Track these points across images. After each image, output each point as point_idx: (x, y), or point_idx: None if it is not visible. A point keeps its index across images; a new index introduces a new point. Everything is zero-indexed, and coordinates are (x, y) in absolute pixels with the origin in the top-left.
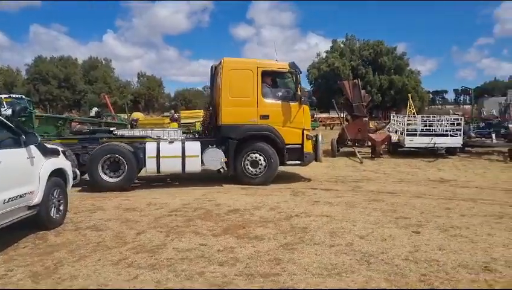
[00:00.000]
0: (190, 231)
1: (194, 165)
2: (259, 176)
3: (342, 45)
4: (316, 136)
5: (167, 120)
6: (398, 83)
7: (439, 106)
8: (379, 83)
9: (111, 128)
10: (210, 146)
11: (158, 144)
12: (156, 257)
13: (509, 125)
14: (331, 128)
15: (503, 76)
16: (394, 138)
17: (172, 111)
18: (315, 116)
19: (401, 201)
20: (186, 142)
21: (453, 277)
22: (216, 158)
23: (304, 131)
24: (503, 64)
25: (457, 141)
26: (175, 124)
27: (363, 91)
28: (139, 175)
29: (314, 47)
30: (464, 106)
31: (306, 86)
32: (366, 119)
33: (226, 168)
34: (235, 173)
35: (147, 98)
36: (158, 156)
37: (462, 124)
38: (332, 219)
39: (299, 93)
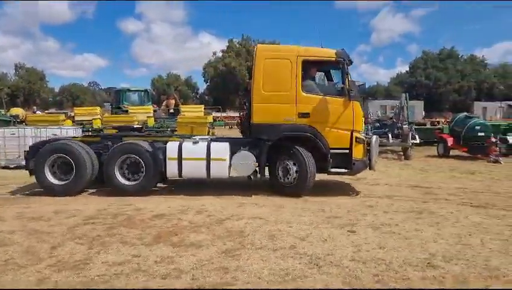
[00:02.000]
0: (116, 241)
1: (220, 170)
2: (291, 185)
3: (238, 45)
4: (370, 138)
5: (62, 117)
6: None
7: None
8: None
9: (135, 126)
10: (242, 148)
11: (180, 144)
12: (85, 273)
13: (403, 126)
14: (230, 128)
15: (381, 80)
16: None
17: (34, 107)
18: (213, 114)
19: (326, 200)
20: (212, 143)
21: (404, 275)
22: (246, 162)
23: (354, 133)
24: (380, 70)
25: None
26: (69, 122)
27: None
28: None
29: (207, 46)
30: None
31: (201, 84)
32: None
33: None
34: (270, 180)
35: (27, 93)
36: (180, 158)
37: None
38: (266, 221)
39: (348, 86)
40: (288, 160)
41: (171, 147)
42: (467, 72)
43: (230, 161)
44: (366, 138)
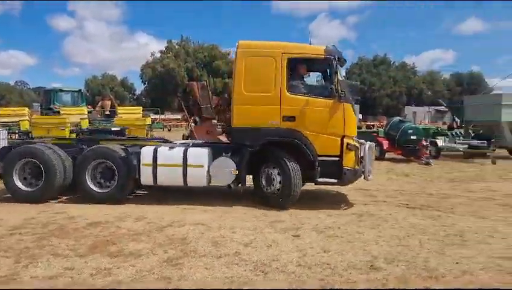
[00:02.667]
0: (47, 253)
1: (198, 178)
2: (275, 195)
3: (177, 46)
4: (363, 145)
5: None
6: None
7: None
8: (214, 86)
9: (113, 128)
10: (224, 154)
11: (156, 149)
12: None
13: None
14: (169, 130)
15: None
16: None
17: None
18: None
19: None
20: (190, 148)
21: (348, 278)
22: (225, 170)
23: (345, 139)
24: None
25: None
26: None
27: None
28: None
29: (144, 46)
30: None
31: (138, 85)
32: (215, 121)
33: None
34: (254, 189)
35: None
36: (155, 164)
37: None
38: (208, 227)
39: (339, 87)
40: (272, 168)
41: (146, 152)
42: (398, 78)
43: (208, 168)
44: (359, 144)
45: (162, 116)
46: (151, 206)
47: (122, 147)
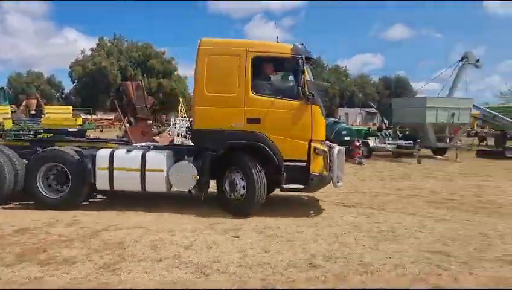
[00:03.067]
0: None
1: (156, 182)
2: (238, 202)
3: (109, 44)
4: (332, 149)
5: None
6: (167, 87)
7: None
8: (148, 86)
9: (70, 129)
10: (186, 157)
11: (112, 152)
12: None
13: None
14: (101, 131)
15: None
16: (177, 140)
17: None
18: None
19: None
20: (149, 151)
21: (289, 277)
22: (185, 175)
23: (312, 142)
24: None
25: None
26: None
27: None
28: None
29: (73, 43)
30: None
31: (67, 84)
32: (150, 122)
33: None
34: (217, 195)
35: None
36: (111, 168)
37: None
38: (147, 230)
39: (306, 88)
40: (235, 173)
41: (101, 155)
42: (331, 80)
43: (168, 173)
44: (327, 148)
45: (94, 116)
46: (82, 209)
47: (77, 149)
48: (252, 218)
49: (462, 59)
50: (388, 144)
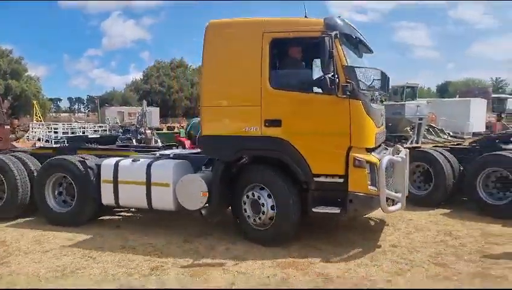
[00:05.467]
0: None
1: (163, 199)
2: (265, 229)
3: None
4: (380, 161)
5: None
6: (16, 89)
7: (55, 114)
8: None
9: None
10: (204, 167)
11: (118, 162)
12: None
13: (146, 131)
14: None
15: (116, 86)
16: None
17: None
18: None
19: None
20: (156, 161)
21: (169, 254)
22: (192, 192)
23: (352, 151)
24: (113, 76)
25: None
26: None
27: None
28: None
29: None
30: (79, 114)
31: None
32: (8, 127)
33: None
34: (234, 219)
35: None
36: (116, 181)
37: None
38: (28, 230)
39: (343, 76)
40: (259, 190)
41: (106, 166)
42: (195, 81)
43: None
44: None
45: None
46: None
47: (83, 158)
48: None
49: None
50: None
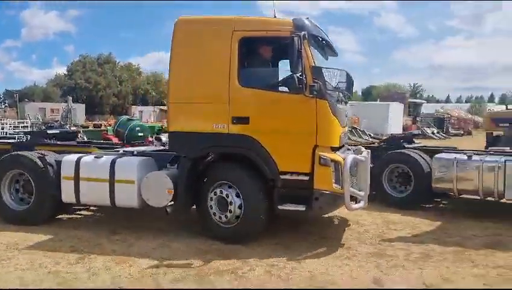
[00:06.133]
0: None
1: (127, 196)
2: (232, 227)
3: None
4: (344, 159)
5: None
6: None
7: None
8: None
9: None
10: (169, 165)
11: (79, 159)
12: None
13: (72, 128)
14: None
15: (38, 81)
16: None
17: None
18: None
19: None
20: (120, 158)
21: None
22: (158, 188)
23: (318, 149)
24: (34, 69)
25: None
26: None
27: None
28: None
29: None
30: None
31: None
32: None
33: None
34: (199, 218)
35: None
36: (77, 177)
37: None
38: None
39: (310, 75)
40: (227, 189)
41: (67, 162)
42: (124, 78)
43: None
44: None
45: None
46: None
47: (42, 154)
48: None
49: None
50: None
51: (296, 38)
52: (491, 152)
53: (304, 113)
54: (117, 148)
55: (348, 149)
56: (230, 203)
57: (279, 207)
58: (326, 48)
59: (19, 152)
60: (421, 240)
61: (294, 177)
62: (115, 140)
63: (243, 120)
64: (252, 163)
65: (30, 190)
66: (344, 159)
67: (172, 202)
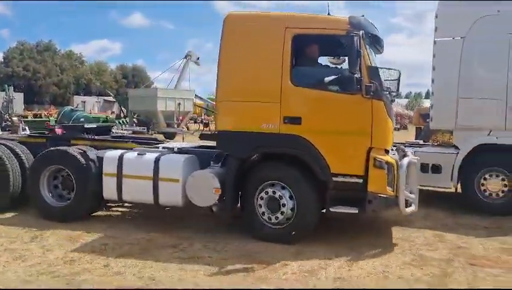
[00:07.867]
0: None
1: (171, 195)
2: (282, 228)
3: None
4: (397, 162)
5: None
6: None
7: None
8: None
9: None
10: (212, 163)
11: (122, 155)
12: None
13: (13, 118)
14: None
15: None
16: None
17: None
18: None
19: None
20: (164, 155)
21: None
22: (203, 188)
23: (372, 152)
24: None
25: None
26: None
27: None
28: None
29: None
30: None
31: None
32: None
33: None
34: (244, 217)
35: None
36: (120, 174)
37: None
38: None
39: (366, 76)
40: (281, 188)
41: (109, 158)
42: (65, 66)
43: (184, 184)
44: (393, 160)
45: None
46: None
47: (83, 149)
48: None
49: (186, 56)
50: (125, 130)
51: (355, 38)
52: (407, 144)
53: (359, 114)
54: (155, 143)
55: (391, 150)
56: (283, 205)
57: (331, 209)
58: (376, 45)
59: (59, 147)
60: None
61: (348, 179)
62: (59, 131)
63: (294, 120)
64: (302, 164)
65: (69, 186)
66: (397, 161)
67: (217, 201)
